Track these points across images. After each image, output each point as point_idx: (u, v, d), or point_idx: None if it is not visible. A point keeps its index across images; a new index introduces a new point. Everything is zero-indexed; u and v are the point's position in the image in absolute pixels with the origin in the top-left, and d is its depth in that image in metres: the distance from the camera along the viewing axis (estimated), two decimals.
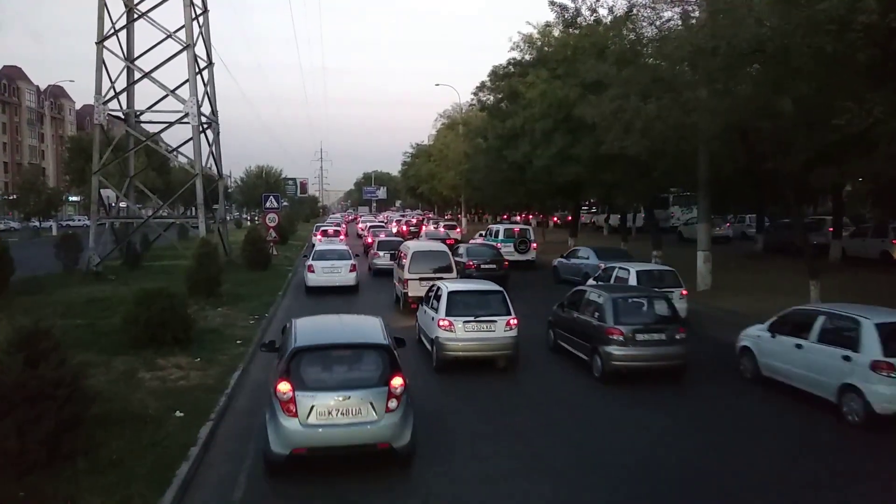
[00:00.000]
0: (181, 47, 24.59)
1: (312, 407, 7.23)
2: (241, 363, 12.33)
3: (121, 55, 25.31)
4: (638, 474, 7.80)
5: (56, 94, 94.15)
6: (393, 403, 7.40)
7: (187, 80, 24.66)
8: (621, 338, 11.04)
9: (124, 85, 25.65)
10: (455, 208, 74.10)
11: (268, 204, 31.70)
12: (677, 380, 11.40)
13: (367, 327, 8.69)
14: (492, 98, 36.96)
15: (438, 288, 12.93)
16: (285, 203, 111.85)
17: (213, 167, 30.87)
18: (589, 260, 21.87)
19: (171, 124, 25.76)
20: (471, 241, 31.12)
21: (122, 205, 29.69)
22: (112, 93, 24.68)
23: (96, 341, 13.08)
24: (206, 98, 26.42)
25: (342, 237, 36.83)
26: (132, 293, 13.40)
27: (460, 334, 11.83)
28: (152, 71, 24.98)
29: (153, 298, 12.42)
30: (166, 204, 30.36)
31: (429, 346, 12.70)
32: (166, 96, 25.33)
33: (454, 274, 18.17)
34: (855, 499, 7.31)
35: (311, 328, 8.51)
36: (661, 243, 25.07)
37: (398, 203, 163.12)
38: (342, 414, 7.30)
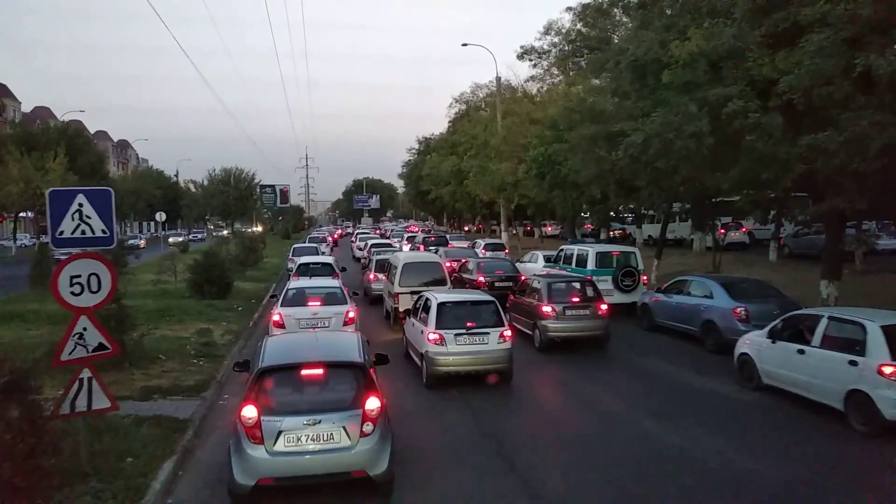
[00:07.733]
0: None
1: (280, 433, 6.47)
2: None
3: None
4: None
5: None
6: (368, 427, 6.64)
7: None
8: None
9: None
10: (489, 218, 54.82)
11: (61, 230, 7.13)
12: None
13: (342, 344, 8.01)
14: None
15: (427, 299, 12.14)
16: (270, 211, 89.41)
17: None
18: None
19: None
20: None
21: None
22: None
23: None
24: None
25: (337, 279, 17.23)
26: None
27: (451, 348, 11.19)
28: None
29: None
30: None
31: (418, 361, 12.01)
32: None
33: (448, 286, 16.75)
34: None
35: (281, 346, 7.81)
36: (840, 270, 15.53)
37: (389, 213, 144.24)
38: (312, 440, 6.54)
